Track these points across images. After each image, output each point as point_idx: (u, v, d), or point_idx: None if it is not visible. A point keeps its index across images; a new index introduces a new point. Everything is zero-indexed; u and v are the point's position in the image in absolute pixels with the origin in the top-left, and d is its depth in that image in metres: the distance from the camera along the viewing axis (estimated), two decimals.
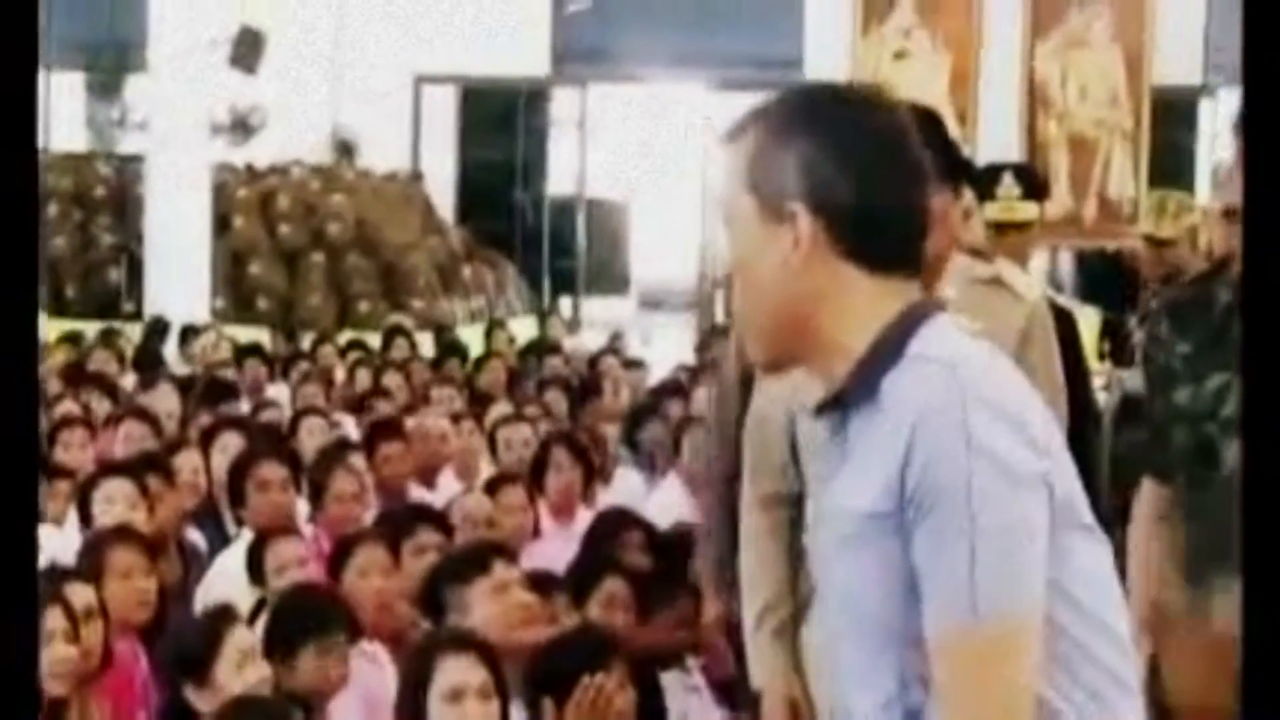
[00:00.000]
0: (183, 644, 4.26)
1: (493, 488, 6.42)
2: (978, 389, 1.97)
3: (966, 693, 1.95)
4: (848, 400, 2.06)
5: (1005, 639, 1.94)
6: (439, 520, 5.54)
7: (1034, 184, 6.18)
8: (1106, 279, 14.98)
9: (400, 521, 5.52)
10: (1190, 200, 7.01)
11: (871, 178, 2.06)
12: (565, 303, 18.93)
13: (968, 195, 4.03)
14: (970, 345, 2.08)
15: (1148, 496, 3.14)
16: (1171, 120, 16.92)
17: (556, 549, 6.14)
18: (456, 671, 3.97)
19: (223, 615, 4.34)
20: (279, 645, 4.37)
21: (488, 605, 4.50)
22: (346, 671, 4.52)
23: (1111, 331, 10.53)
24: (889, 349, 2.03)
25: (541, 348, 12.04)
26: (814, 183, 2.05)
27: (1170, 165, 16.43)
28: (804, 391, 3.36)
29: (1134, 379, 6.46)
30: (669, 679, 5.06)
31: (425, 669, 4.00)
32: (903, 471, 1.96)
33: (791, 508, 3.55)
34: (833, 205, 2.05)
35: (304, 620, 4.48)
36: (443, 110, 18.41)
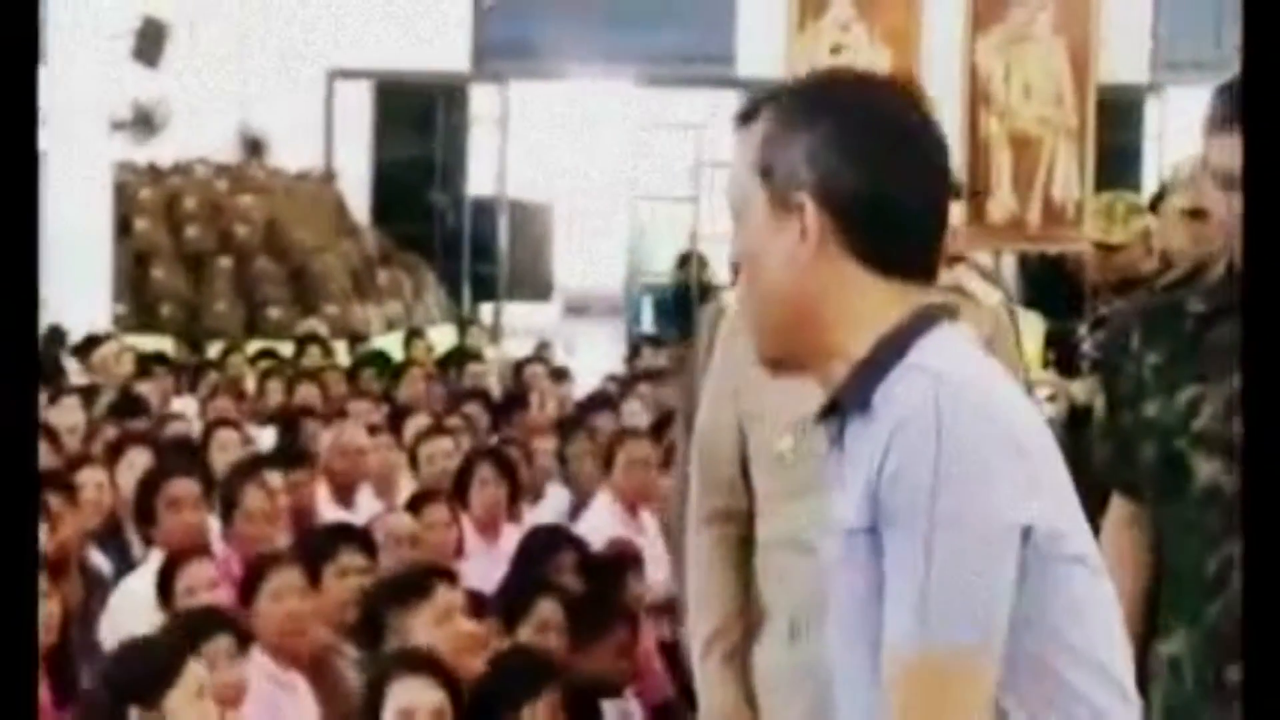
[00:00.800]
0: (143, 665, 4.24)
1: (415, 505, 6.41)
2: (960, 395, 1.93)
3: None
4: (843, 407, 2.03)
5: (959, 663, 1.89)
6: (363, 540, 5.51)
7: None
8: (1050, 285, 15.08)
9: (322, 542, 5.50)
10: (1140, 203, 7.05)
11: (885, 173, 2.02)
12: (486, 309, 18.90)
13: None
14: (969, 355, 2.04)
15: (1118, 510, 3.15)
16: (1118, 119, 17.06)
17: (482, 569, 6.13)
18: (409, 692, 4.02)
19: (204, 620, 4.43)
20: None
21: (431, 632, 4.54)
22: (240, 675, 4.54)
23: (1056, 339, 10.57)
24: (887, 356, 2.00)
25: (462, 357, 12.01)
26: (823, 173, 2.01)
27: (1116, 166, 16.55)
28: (751, 400, 3.40)
29: (1082, 389, 6.50)
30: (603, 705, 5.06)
31: (378, 690, 4.04)
32: (878, 483, 1.92)
33: (741, 524, 3.54)
34: (841, 199, 2.01)
35: (188, 635, 4.49)
36: (357, 106, 18.34)
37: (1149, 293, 3.35)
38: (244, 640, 4.64)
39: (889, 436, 1.92)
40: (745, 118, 2.08)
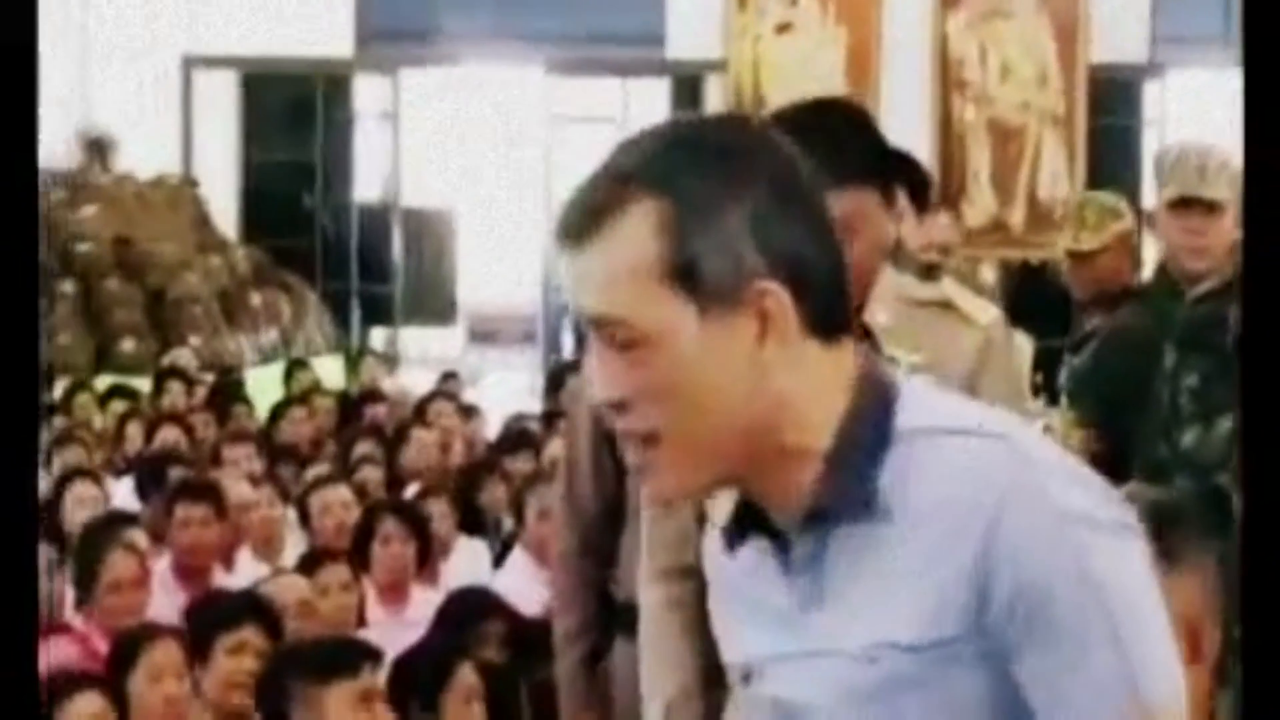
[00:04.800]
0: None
1: (308, 566, 6.42)
2: (1035, 454, 1.94)
3: None
4: (832, 512, 1.96)
5: None
6: (265, 612, 5.53)
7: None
8: (1037, 297, 15.22)
9: (218, 612, 5.53)
10: (1116, 203, 7.14)
11: (818, 223, 1.98)
12: (378, 335, 18.88)
13: (901, 198, 4.11)
14: (982, 407, 2.05)
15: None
16: (1112, 104, 17.22)
17: (385, 640, 6.13)
18: None
19: (66, 680, 4.58)
20: None
21: (347, 714, 4.60)
22: None
23: (1046, 361, 10.67)
24: (869, 435, 1.96)
25: (354, 392, 12.04)
26: (775, 249, 1.93)
27: (1110, 157, 16.70)
28: None
29: (1059, 422, 6.56)
30: None
31: None
32: (983, 581, 1.90)
33: (700, 579, 3.57)
34: (799, 271, 1.94)
35: (50, 701, 4.56)
36: (221, 100, 18.31)
37: (1190, 305, 3.39)
38: (118, 706, 4.69)
39: (985, 524, 1.90)
40: (592, 224, 1.93)
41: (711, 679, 3.55)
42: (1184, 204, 5.14)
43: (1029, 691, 1.91)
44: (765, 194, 1.94)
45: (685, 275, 1.91)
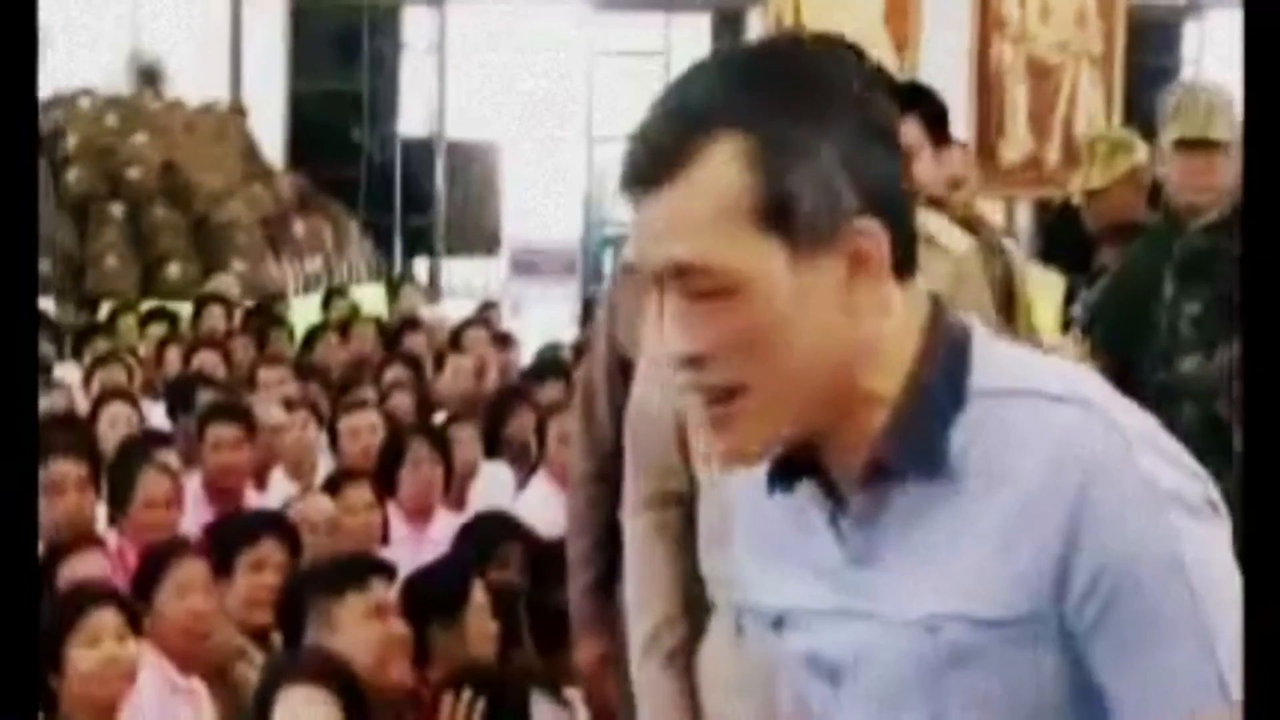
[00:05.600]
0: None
1: (334, 486, 6.55)
2: (1122, 422, 1.82)
3: None
4: (896, 468, 1.83)
5: None
6: (286, 530, 5.63)
7: None
8: (1070, 235, 15.19)
9: (238, 529, 5.63)
10: (1128, 138, 7.22)
11: (900, 157, 1.86)
12: (420, 265, 18.92)
13: (913, 130, 4.18)
14: (1061, 366, 1.92)
15: None
16: (1150, 44, 17.14)
17: (406, 558, 6.24)
18: (297, 705, 4.15)
19: (84, 593, 4.62)
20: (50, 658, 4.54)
21: (359, 628, 4.69)
22: (129, 655, 4.64)
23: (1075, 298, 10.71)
24: (942, 388, 1.83)
25: (394, 320, 12.10)
26: (869, 185, 1.80)
27: (1148, 98, 16.63)
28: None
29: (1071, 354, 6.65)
30: (539, 700, 5.22)
31: (266, 698, 4.20)
32: (1066, 555, 1.77)
33: (684, 508, 3.62)
34: (889, 207, 1.81)
35: (68, 613, 4.61)
36: (268, 30, 18.36)
37: (1194, 234, 3.42)
38: (133, 622, 4.75)
39: (1076, 492, 1.77)
40: (667, 167, 1.76)
41: (693, 603, 3.63)
42: (1189, 144, 5.21)
43: (1102, 675, 1.79)
44: (855, 127, 1.79)
45: (779, 216, 1.75)
